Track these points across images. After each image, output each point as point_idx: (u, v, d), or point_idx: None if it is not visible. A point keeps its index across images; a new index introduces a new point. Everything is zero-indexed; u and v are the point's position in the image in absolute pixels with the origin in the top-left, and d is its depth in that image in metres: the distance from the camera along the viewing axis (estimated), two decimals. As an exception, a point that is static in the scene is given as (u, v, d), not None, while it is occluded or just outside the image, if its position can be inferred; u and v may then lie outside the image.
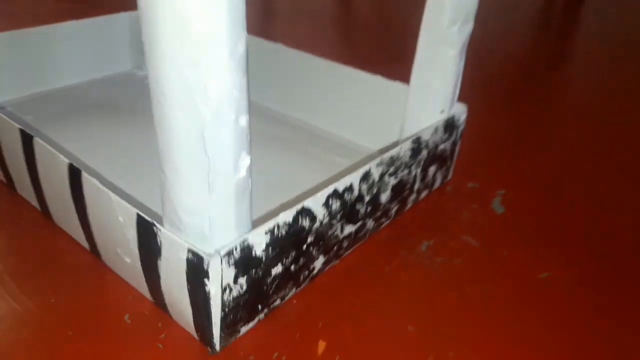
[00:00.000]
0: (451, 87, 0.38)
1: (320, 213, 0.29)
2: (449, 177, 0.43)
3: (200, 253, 0.24)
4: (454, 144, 0.41)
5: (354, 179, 0.31)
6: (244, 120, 0.23)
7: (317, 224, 0.29)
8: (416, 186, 0.38)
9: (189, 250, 0.24)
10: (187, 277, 0.25)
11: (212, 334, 0.26)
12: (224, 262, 0.24)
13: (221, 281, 0.25)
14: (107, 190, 0.28)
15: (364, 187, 0.32)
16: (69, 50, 0.54)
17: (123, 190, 0.38)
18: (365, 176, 0.32)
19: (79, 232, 0.33)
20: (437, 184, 0.42)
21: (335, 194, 0.30)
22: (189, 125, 0.22)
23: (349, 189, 0.31)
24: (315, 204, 0.29)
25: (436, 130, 0.37)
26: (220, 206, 0.24)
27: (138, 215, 0.27)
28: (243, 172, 0.24)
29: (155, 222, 0.26)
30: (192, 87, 0.21)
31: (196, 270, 0.25)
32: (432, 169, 0.39)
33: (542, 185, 0.44)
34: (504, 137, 0.52)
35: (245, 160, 0.24)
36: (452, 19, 0.36)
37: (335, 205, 0.30)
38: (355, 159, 0.44)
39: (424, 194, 0.40)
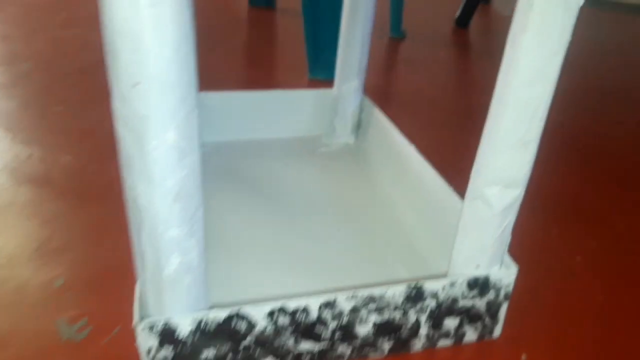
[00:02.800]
0: (489, 246, 0.35)
1: (262, 322, 0.33)
2: (494, 335, 0.39)
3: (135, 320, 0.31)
4: (490, 304, 0.37)
5: (311, 302, 0.33)
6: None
7: (257, 330, 0.33)
8: (423, 331, 0.37)
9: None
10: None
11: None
12: (146, 330, 0.31)
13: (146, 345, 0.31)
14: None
15: (328, 313, 0.34)
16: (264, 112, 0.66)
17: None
18: (329, 304, 0.34)
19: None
20: (470, 338, 0.39)
21: (282, 311, 0.33)
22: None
23: (304, 310, 0.33)
24: (257, 312, 0.32)
25: (453, 284, 0.35)
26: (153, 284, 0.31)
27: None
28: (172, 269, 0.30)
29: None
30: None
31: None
32: (451, 321, 0.37)
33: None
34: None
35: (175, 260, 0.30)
36: (489, 181, 0.33)
37: (283, 320, 0.33)
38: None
39: (442, 342, 0.38)
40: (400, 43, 1.19)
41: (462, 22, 1.35)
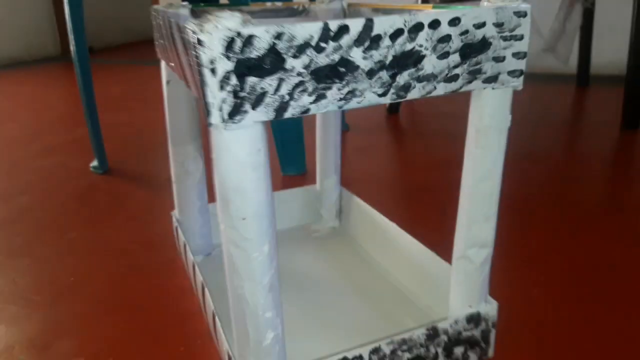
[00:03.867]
0: (476, 290, 0.50)
1: (331, 371, 0.45)
2: (489, 355, 0.53)
3: (240, 382, 0.43)
4: (484, 332, 0.52)
5: (363, 351, 0.46)
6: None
7: (328, 378, 0.45)
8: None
9: None
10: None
11: None
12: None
13: (251, 401, 0.43)
14: (219, 330, 0.49)
15: (375, 357, 0.47)
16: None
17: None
18: (375, 350, 0.47)
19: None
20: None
21: (345, 359, 0.46)
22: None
23: (360, 357, 0.46)
24: (327, 365, 0.45)
25: (456, 322, 0.50)
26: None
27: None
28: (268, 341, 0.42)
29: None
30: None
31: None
32: (459, 349, 0.51)
33: (578, 380, 0.50)
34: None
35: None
36: (469, 245, 0.49)
37: (346, 367, 0.46)
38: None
39: (454, 367, 0.52)
40: (346, 133, 1.38)
41: (393, 108, 1.57)
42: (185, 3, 0.65)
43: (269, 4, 0.68)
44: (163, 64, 0.66)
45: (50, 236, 0.87)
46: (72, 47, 1.07)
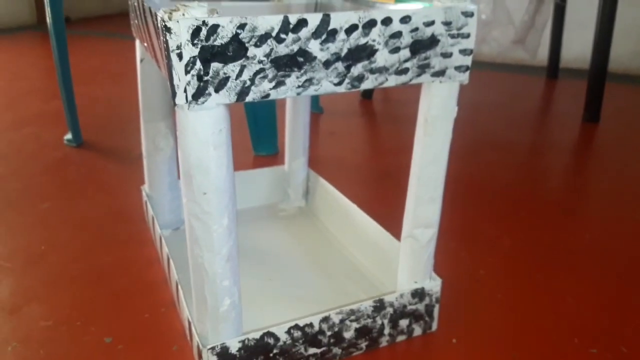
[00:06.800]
0: (421, 267, 0.54)
1: (283, 337, 0.49)
2: (433, 329, 0.58)
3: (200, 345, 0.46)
4: (428, 307, 0.56)
5: (314, 319, 0.50)
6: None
7: (280, 343, 0.49)
8: (386, 331, 0.55)
9: (198, 345, 0.47)
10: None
11: (206, 390, 0.48)
12: (209, 352, 0.46)
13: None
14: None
15: (325, 325, 0.51)
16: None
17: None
18: (325, 319, 0.51)
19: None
20: (418, 332, 0.57)
21: (297, 327, 0.49)
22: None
23: (310, 325, 0.50)
24: (279, 330, 0.49)
25: (402, 295, 0.54)
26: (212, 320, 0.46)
27: (187, 315, 0.50)
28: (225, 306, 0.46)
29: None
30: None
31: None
32: (404, 322, 0.55)
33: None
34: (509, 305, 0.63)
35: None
36: (415, 224, 0.53)
37: (297, 334, 0.50)
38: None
39: (400, 338, 0.56)
40: (319, 116, 1.41)
41: (367, 94, 1.60)
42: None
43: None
44: (137, 42, 0.68)
45: (23, 205, 0.89)
46: (48, 17, 1.07)
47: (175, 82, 0.39)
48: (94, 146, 1.18)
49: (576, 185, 0.97)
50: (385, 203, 0.90)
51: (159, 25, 0.39)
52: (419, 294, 0.55)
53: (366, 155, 1.12)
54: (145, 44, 0.55)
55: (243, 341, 0.48)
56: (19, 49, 2.39)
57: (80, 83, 1.75)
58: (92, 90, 1.66)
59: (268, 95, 0.42)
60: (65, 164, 1.07)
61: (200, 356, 0.48)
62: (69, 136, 1.19)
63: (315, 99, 1.44)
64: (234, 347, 0.47)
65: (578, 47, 1.90)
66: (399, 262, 0.56)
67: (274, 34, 0.40)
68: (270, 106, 1.11)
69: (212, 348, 0.46)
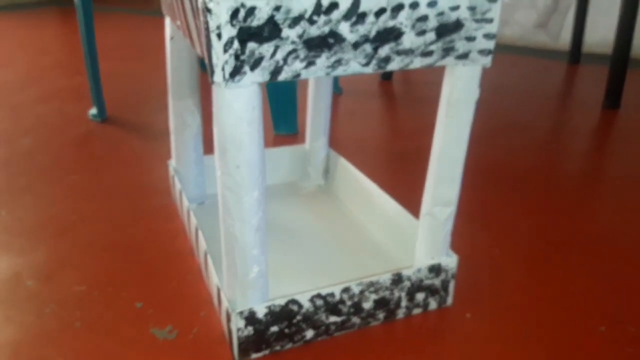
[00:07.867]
0: (438, 244, 0.57)
1: (306, 304, 0.52)
2: (448, 303, 0.60)
3: (230, 309, 0.49)
4: (444, 282, 0.58)
5: (335, 289, 0.53)
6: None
7: (304, 310, 0.52)
8: (403, 303, 0.57)
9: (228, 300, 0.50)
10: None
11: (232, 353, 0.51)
12: (237, 316, 0.49)
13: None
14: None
15: (345, 295, 0.53)
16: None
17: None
18: (346, 289, 0.53)
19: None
20: (433, 306, 0.59)
21: (319, 295, 0.52)
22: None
23: (331, 294, 0.53)
24: (303, 298, 0.51)
25: (419, 270, 0.56)
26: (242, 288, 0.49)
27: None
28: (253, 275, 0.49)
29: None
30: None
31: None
32: (420, 295, 0.58)
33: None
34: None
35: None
36: (434, 203, 0.55)
37: (319, 302, 0.52)
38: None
39: (416, 311, 0.59)
40: (339, 97, 1.42)
41: (387, 75, 1.61)
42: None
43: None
44: (167, 19, 0.71)
45: (52, 177, 0.92)
46: (76, -4, 1.10)
47: (214, 60, 0.41)
48: (117, 121, 1.21)
49: (594, 171, 0.98)
50: (403, 183, 0.92)
51: (199, 5, 0.41)
52: (435, 269, 0.57)
53: (385, 135, 1.14)
54: (178, 22, 0.57)
55: (269, 307, 0.50)
56: (41, 25, 2.42)
57: (104, 59, 1.77)
58: (116, 66, 1.69)
59: (299, 74, 0.44)
60: (91, 138, 1.10)
61: (229, 320, 0.51)
62: (93, 111, 1.22)
63: (335, 80, 1.45)
64: (260, 312, 0.50)
65: (602, 31, 1.88)
66: (417, 238, 0.58)
67: (307, 16, 0.42)
68: (292, 87, 1.13)
69: (241, 312, 0.49)
